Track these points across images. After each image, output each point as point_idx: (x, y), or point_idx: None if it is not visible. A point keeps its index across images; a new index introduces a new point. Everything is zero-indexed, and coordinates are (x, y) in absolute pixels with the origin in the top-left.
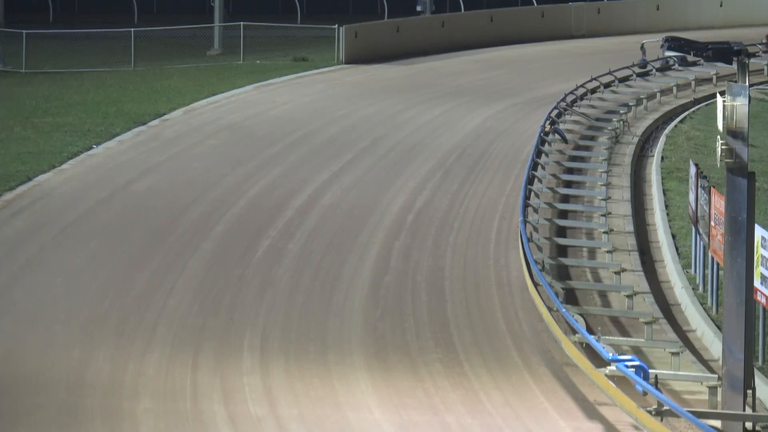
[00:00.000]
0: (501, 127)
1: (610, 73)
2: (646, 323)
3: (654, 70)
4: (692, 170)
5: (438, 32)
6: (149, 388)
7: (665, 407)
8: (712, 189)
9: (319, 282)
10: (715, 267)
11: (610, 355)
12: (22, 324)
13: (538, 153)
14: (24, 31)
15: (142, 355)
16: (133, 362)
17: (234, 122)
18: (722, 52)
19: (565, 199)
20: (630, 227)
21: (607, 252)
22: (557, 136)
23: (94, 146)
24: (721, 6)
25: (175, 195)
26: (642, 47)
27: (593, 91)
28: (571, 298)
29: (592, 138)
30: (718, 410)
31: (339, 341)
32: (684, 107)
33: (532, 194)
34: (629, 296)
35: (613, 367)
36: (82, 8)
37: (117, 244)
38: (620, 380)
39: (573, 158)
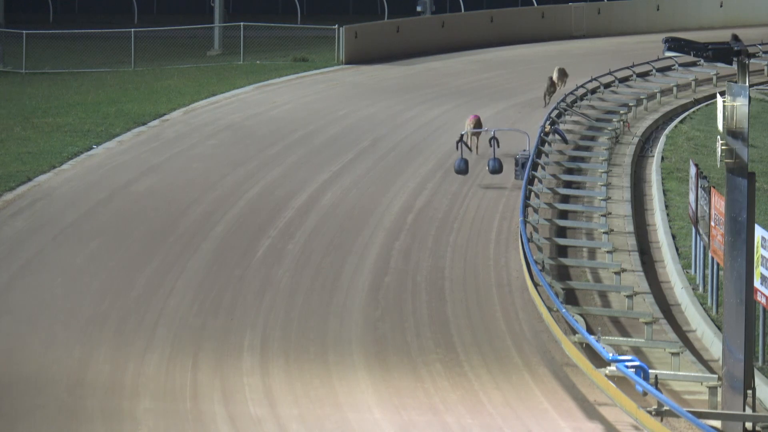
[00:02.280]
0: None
1: (610, 73)
2: (646, 323)
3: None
4: (692, 170)
5: (438, 32)
6: (149, 388)
7: (665, 407)
8: (712, 189)
9: (319, 282)
10: (715, 267)
11: (610, 355)
12: (22, 324)
13: (538, 153)
14: (24, 31)
15: (142, 355)
16: (133, 362)
17: (234, 122)
18: (722, 53)
19: (565, 199)
20: (630, 227)
21: (607, 252)
22: (557, 137)
23: (94, 146)
24: (721, 6)
25: (175, 195)
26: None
27: (593, 91)
28: (571, 298)
29: (592, 138)
30: (718, 410)
31: (339, 341)
32: (684, 107)
33: (532, 194)
34: (629, 296)
35: (613, 368)
36: (82, 8)
37: (117, 244)
38: (620, 380)
39: (573, 158)
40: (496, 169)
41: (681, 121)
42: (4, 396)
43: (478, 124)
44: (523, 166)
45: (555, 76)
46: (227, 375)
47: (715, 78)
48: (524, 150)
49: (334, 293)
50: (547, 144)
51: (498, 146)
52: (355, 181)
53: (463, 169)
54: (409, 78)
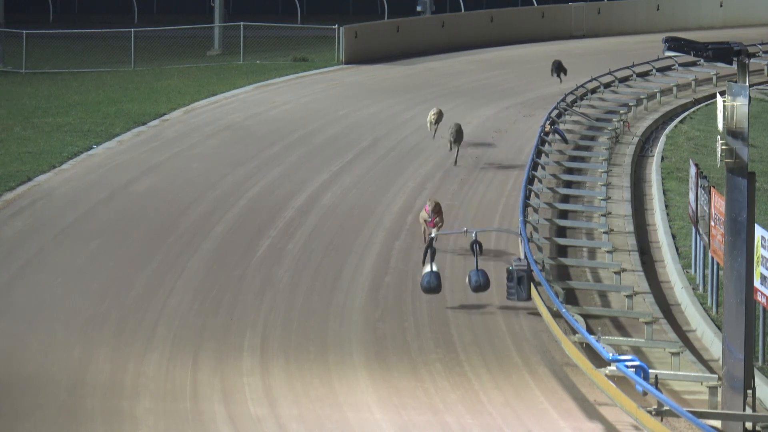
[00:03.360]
0: (501, 127)
1: (610, 73)
2: (646, 323)
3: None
4: (692, 170)
5: (438, 32)
6: (149, 388)
7: (665, 407)
8: (712, 189)
9: (319, 282)
10: (715, 267)
11: (610, 355)
12: (22, 324)
13: (538, 153)
14: (24, 31)
15: (142, 355)
16: (133, 362)
17: (234, 122)
18: (722, 52)
19: (565, 199)
20: (630, 227)
21: (607, 252)
22: (557, 136)
23: (94, 146)
24: (721, 6)
25: (175, 195)
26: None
27: (593, 91)
28: (571, 298)
29: (592, 138)
30: (718, 410)
31: (339, 341)
32: (684, 107)
33: (532, 194)
34: (629, 296)
35: (613, 367)
36: (82, 8)
37: (117, 244)
38: (620, 380)
39: (573, 158)
40: (481, 284)
41: (681, 121)
42: (4, 396)
43: (438, 211)
44: (520, 281)
45: (438, 124)
46: (227, 375)
47: (715, 78)
48: (519, 258)
49: (334, 293)
50: (547, 144)
51: (481, 252)
52: (355, 181)
53: (434, 286)
54: (409, 78)
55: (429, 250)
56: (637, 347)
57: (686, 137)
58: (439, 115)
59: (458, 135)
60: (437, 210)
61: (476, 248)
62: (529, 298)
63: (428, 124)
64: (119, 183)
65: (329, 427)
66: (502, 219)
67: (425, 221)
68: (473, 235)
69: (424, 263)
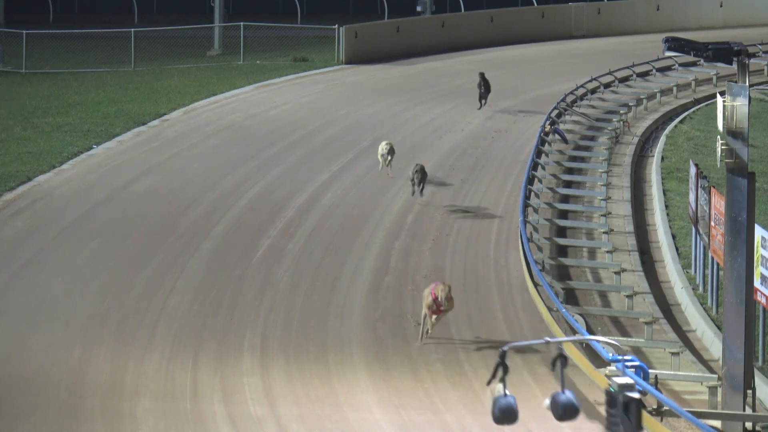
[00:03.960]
0: (501, 128)
1: (610, 73)
2: (646, 323)
3: None
4: (692, 170)
5: (438, 32)
6: (149, 388)
7: (665, 407)
8: (712, 189)
9: (319, 282)
10: (715, 267)
11: (610, 355)
12: (22, 324)
13: (538, 153)
14: (24, 31)
15: (142, 355)
16: (133, 362)
17: (234, 122)
18: (722, 53)
19: (565, 199)
20: (630, 227)
21: (607, 252)
22: (557, 136)
23: (94, 146)
24: (721, 6)
25: (175, 195)
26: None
27: (593, 91)
28: (571, 298)
29: (592, 138)
30: (718, 410)
31: (339, 341)
32: (684, 107)
33: (532, 194)
34: (629, 296)
35: (612, 367)
36: (82, 8)
37: (117, 244)
38: None
39: (573, 158)
40: (571, 409)
41: (681, 121)
42: (4, 396)
43: (449, 298)
44: (627, 408)
45: (388, 155)
46: (227, 375)
47: (715, 78)
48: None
49: (334, 293)
50: (547, 144)
51: (566, 364)
52: (355, 181)
53: (511, 414)
54: (409, 78)
55: (501, 368)
56: (637, 347)
57: (686, 137)
58: (391, 149)
59: (422, 176)
60: (448, 298)
61: (561, 365)
62: (640, 430)
63: (380, 158)
64: (119, 183)
65: (329, 427)
66: (502, 219)
67: (429, 308)
68: (559, 346)
69: (490, 381)
